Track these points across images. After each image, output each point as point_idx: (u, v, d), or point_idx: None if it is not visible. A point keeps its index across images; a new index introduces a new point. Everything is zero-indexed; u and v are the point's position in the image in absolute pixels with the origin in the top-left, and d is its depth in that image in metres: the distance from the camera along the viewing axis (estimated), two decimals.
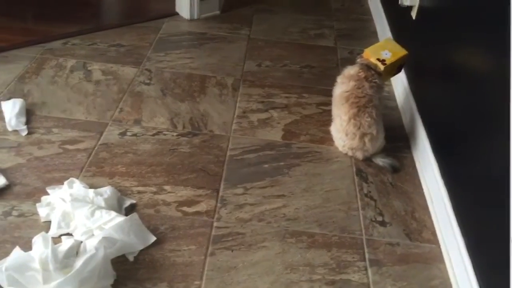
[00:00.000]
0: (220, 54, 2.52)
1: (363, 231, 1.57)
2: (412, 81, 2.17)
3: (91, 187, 1.59)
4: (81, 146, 1.80)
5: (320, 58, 2.57)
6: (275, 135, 1.97)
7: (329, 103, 2.16)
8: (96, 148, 1.80)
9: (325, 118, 2.08)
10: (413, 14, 2.26)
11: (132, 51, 2.46)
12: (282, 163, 1.83)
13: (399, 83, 2.28)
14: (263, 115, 2.08)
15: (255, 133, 1.97)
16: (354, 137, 1.83)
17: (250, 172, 1.77)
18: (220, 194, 1.66)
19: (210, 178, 1.73)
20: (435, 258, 1.51)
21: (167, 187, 1.66)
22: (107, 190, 1.56)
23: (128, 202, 1.58)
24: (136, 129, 1.92)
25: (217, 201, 1.63)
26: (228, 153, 1.85)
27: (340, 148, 1.90)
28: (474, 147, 1.54)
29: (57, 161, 1.72)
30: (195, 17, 2.84)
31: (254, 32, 2.77)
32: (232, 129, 1.98)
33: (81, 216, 1.44)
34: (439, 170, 1.71)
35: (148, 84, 2.21)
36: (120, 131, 1.90)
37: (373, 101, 1.87)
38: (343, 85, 1.93)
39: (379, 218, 1.63)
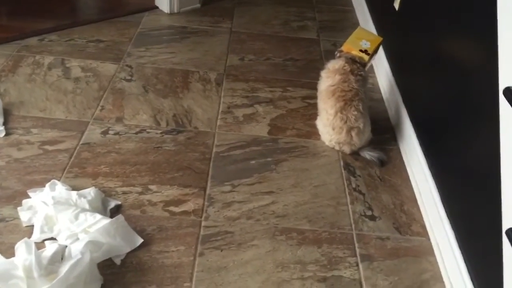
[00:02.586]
0: (202, 48, 2.47)
1: (353, 226, 1.56)
2: (397, 72, 2.16)
3: (74, 189, 1.55)
4: (62, 146, 1.75)
5: (303, 51, 2.55)
6: (261, 130, 1.95)
7: (314, 97, 2.15)
8: (77, 148, 1.75)
9: (311, 112, 2.06)
10: (396, 5, 2.25)
11: (111, 46, 2.39)
12: (269, 159, 1.80)
13: (383, 75, 2.27)
14: (248, 110, 2.05)
15: (240, 128, 1.94)
16: (341, 131, 1.82)
17: (237, 169, 1.74)
18: (207, 192, 1.63)
19: (196, 176, 1.69)
20: (426, 251, 1.51)
21: (152, 187, 1.63)
22: (90, 192, 1.52)
23: (113, 204, 1.53)
24: (118, 128, 1.87)
25: (204, 199, 1.60)
26: (214, 150, 1.82)
27: (327, 143, 1.88)
28: (461, 137, 1.54)
29: (37, 163, 1.66)
30: (175, 10, 2.78)
31: (236, 25, 2.73)
32: (217, 125, 1.95)
33: (65, 220, 1.40)
34: (426, 161, 1.71)
35: (129, 80, 2.16)
36: (102, 129, 1.85)
37: (359, 94, 1.86)
38: (329, 79, 1.91)
39: (368, 213, 1.62)
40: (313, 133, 1.95)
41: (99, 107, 1.97)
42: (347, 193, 1.69)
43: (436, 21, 1.83)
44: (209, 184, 1.66)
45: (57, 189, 1.51)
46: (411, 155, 1.82)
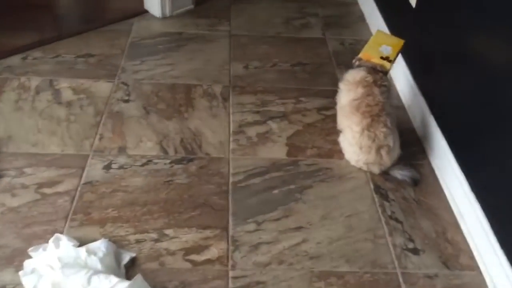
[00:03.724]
0: (202, 57, 2.27)
1: (396, 263, 1.41)
2: (419, 76, 1.99)
3: (80, 242, 1.36)
4: (61, 188, 1.56)
5: (310, 53, 2.36)
6: (278, 151, 1.77)
7: (329, 107, 1.99)
8: (79, 189, 1.56)
9: (329, 126, 1.89)
10: (412, 2, 2.07)
11: (103, 61, 2.18)
12: (292, 187, 1.63)
13: (403, 79, 2.10)
14: (262, 128, 1.87)
15: (256, 151, 1.77)
16: (369, 150, 1.65)
17: (259, 201, 1.57)
18: (230, 233, 1.46)
19: (215, 214, 1.52)
20: (478, 287, 1.36)
21: (168, 231, 1.45)
22: (101, 246, 1.33)
23: (127, 257, 1.36)
24: (122, 160, 1.68)
25: (228, 243, 1.43)
26: (231, 179, 1.64)
27: (353, 163, 1.72)
28: (505, 147, 1.39)
29: (35, 211, 1.47)
30: (167, 14, 2.56)
31: (234, 27, 2.52)
32: (230, 149, 1.77)
33: (76, 286, 1.22)
34: (466, 179, 1.55)
35: (127, 101, 1.95)
36: (104, 163, 1.66)
37: (386, 108, 1.69)
38: (350, 92, 1.74)
39: (410, 245, 1.46)
40: (335, 151, 1.78)
41: (98, 136, 1.77)
42: (383, 222, 1.53)
43: (462, 14, 1.66)
44: (230, 223, 1.49)
45: (62, 246, 1.33)
46: (446, 171, 1.67)
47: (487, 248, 1.40)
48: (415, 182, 1.67)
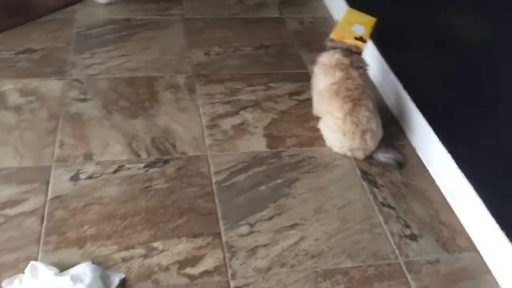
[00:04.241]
0: (157, 45, 2.11)
1: (397, 253, 1.37)
2: (388, 54, 1.95)
3: (60, 268, 1.21)
4: (26, 207, 1.38)
5: (271, 34, 2.26)
6: (257, 144, 1.68)
7: (301, 91, 1.92)
8: (47, 206, 1.39)
9: (304, 112, 1.82)
10: None
11: (48, 56, 1.97)
12: (279, 181, 1.55)
13: (370, 57, 2.04)
14: (236, 120, 1.76)
15: (234, 145, 1.66)
16: (353, 136, 1.60)
17: (248, 200, 1.48)
18: (224, 239, 1.36)
19: (204, 219, 1.41)
20: (480, 269, 1.36)
21: (157, 244, 1.33)
22: (85, 270, 1.19)
23: (116, 279, 1.22)
24: (90, 168, 1.52)
25: (223, 250, 1.33)
26: (213, 179, 1.53)
27: (336, 150, 1.66)
28: (485, 116, 1.40)
29: (1, 237, 1.30)
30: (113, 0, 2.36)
31: (187, 11, 2.36)
32: (206, 145, 1.65)
33: None
34: (450, 155, 1.54)
35: (84, 100, 1.77)
36: (71, 174, 1.49)
37: (366, 91, 1.64)
38: (328, 76, 1.66)
39: (407, 232, 1.43)
40: (316, 138, 1.71)
41: (58, 143, 1.59)
42: (376, 210, 1.49)
43: None
44: (222, 227, 1.39)
45: (41, 275, 1.18)
46: (428, 150, 1.65)
47: (482, 226, 1.39)
48: (400, 165, 1.64)
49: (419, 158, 1.68)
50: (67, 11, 2.25)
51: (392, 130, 1.78)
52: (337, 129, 1.61)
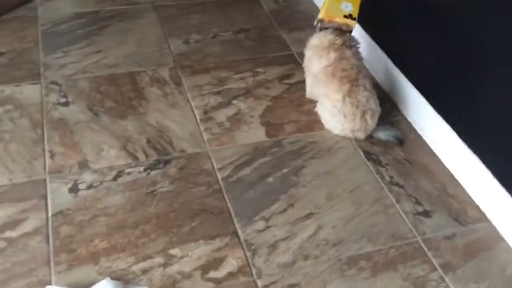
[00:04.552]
0: (132, 37, 2.00)
1: (414, 231, 1.38)
2: (373, 29, 1.93)
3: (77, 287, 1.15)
4: (27, 227, 1.29)
5: (248, 16, 2.19)
6: (256, 134, 1.63)
7: (290, 74, 1.88)
8: (50, 223, 1.30)
9: (297, 96, 1.78)
10: None
11: (17, 59, 1.83)
12: (285, 170, 1.52)
13: (355, 35, 2.02)
14: (229, 111, 1.71)
15: (233, 138, 1.61)
16: (354, 117, 1.58)
17: (258, 194, 1.44)
18: (242, 237, 1.32)
19: (217, 218, 1.36)
20: (494, 238, 1.38)
21: (174, 251, 1.27)
22: (107, 287, 1.14)
23: None
24: (88, 177, 1.43)
25: (243, 249, 1.29)
26: (219, 175, 1.48)
27: (337, 132, 1.64)
28: (479, 79, 1.42)
29: (8, 263, 1.21)
30: None
31: None
32: (205, 140, 1.59)
33: None
34: (450, 126, 1.55)
35: (66, 104, 1.66)
36: (69, 186, 1.40)
37: (361, 70, 1.62)
38: (322, 58, 1.63)
39: (420, 209, 1.44)
40: (314, 122, 1.68)
41: (48, 153, 1.49)
42: (386, 190, 1.48)
43: None
44: (237, 225, 1.35)
45: None
46: (424, 123, 1.66)
47: (488, 193, 1.42)
48: (400, 141, 1.64)
49: (417, 132, 1.69)
50: (28, 8, 2.10)
51: (386, 107, 1.77)
52: (337, 111, 1.59)
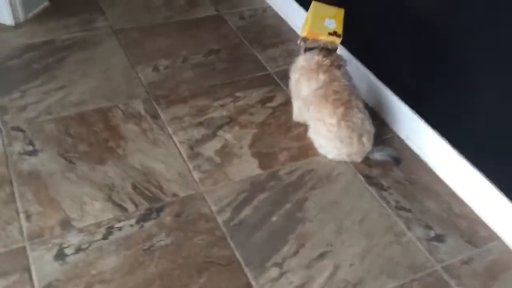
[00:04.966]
0: (96, 67, 1.83)
1: (432, 260, 1.32)
2: (353, 44, 1.86)
3: None
4: None
5: (216, 36, 2.07)
6: (250, 167, 1.52)
7: (270, 96, 1.80)
8: None
9: (283, 120, 1.69)
10: None
11: None
12: (288, 206, 1.42)
13: None
14: (216, 143, 1.59)
15: (226, 174, 1.49)
16: (351, 141, 1.51)
17: (265, 236, 1.33)
18: None
19: (227, 270, 1.25)
20: (509, 258, 1.36)
21: None
22: None
23: None
24: (73, 239, 1.27)
25: None
26: (219, 219, 1.36)
27: (332, 157, 1.56)
28: (467, 88, 1.41)
29: None
30: (22, 19, 2.00)
31: (113, 21, 2.08)
32: (196, 180, 1.46)
33: None
34: (447, 141, 1.52)
35: (34, 153, 1.48)
36: (53, 252, 1.24)
37: (353, 91, 1.55)
38: (311, 81, 1.55)
39: (431, 233, 1.39)
40: (306, 147, 1.60)
41: (23, 215, 1.31)
42: (394, 216, 1.42)
43: None
44: (249, 275, 1.24)
45: None
46: (416, 138, 1.62)
47: (496, 208, 1.40)
48: (397, 160, 1.58)
49: (410, 148, 1.64)
50: None
51: (376, 124, 1.71)
52: (333, 136, 1.51)
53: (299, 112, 1.64)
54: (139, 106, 1.69)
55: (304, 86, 1.56)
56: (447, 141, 1.53)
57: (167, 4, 2.23)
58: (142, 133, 1.59)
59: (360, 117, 1.51)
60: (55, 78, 1.76)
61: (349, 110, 1.50)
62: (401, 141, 1.67)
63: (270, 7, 2.27)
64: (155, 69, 1.86)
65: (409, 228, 1.40)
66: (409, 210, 1.45)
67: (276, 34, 2.10)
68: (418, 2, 1.53)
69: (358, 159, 1.56)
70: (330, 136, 1.52)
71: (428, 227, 1.41)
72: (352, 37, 1.83)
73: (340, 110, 1.50)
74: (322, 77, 1.53)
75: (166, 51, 1.95)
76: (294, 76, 1.61)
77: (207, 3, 2.27)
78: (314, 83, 1.54)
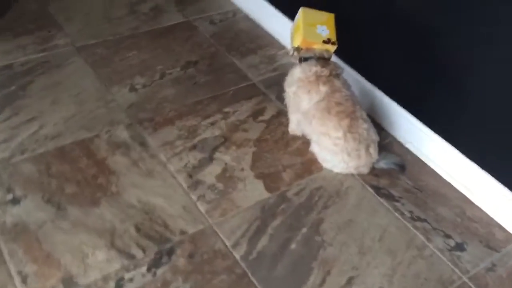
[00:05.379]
0: (66, 92, 1.66)
1: (458, 272, 1.29)
2: (342, 48, 1.79)
3: None
4: None
5: (190, 45, 1.94)
6: (256, 190, 1.43)
7: (261, 109, 1.72)
8: None
9: (279, 134, 1.61)
10: None
11: None
12: (304, 230, 1.34)
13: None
14: (215, 168, 1.48)
15: (233, 201, 1.39)
16: (358, 153, 1.45)
17: (287, 267, 1.25)
18: None
19: None
20: None
21: None
22: None
23: None
24: None
25: None
26: (236, 255, 1.26)
27: (339, 170, 1.50)
28: (457, 86, 1.41)
29: None
30: None
31: (75, 37, 1.90)
32: (203, 212, 1.35)
33: None
34: (443, 139, 1.51)
35: (15, 201, 1.31)
36: None
37: (356, 100, 1.48)
38: (311, 94, 1.47)
39: (451, 243, 1.36)
40: (309, 162, 1.52)
41: (17, 277, 1.15)
42: (412, 228, 1.38)
43: None
44: None
45: None
46: (419, 143, 1.58)
47: (506, 207, 1.39)
48: (402, 167, 1.54)
49: (411, 152, 1.61)
50: None
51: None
52: (339, 150, 1.44)
53: (297, 126, 1.56)
54: (123, 133, 1.54)
55: (304, 99, 1.48)
56: (449, 143, 1.50)
57: (130, 14, 2.06)
58: (133, 164, 1.45)
59: (365, 128, 1.45)
60: (22, 109, 1.57)
61: (355, 121, 1.44)
62: (401, 146, 1.63)
63: (239, 9, 2.16)
64: (132, 89, 1.71)
65: (428, 240, 1.36)
66: (424, 220, 1.41)
67: (251, 39, 2.00)
68: (408, 2, 1.49)
69: (366, 170, 1.50)
70: (336, 150, 1.45)
71: (447, 236, 1.38)
72: (341, 40, 1.77)
73: (346, 122, 1.43)
74: (323, 88, 1.45)
75: (139, 67, 1.80)
76: (290, 89, 1.52)
77: (173, 9, 2.12)
78: (314, 95, 1.46)
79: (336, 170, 1.50)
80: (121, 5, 2.10)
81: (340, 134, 1.43)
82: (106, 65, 1.79)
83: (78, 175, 1.40)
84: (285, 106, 1.58)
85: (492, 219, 1.44)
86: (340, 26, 1.56)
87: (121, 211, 1.32)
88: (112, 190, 1.37)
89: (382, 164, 1.53)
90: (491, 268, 1.31)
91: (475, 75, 1.37)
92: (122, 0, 2.13)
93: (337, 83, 1.47)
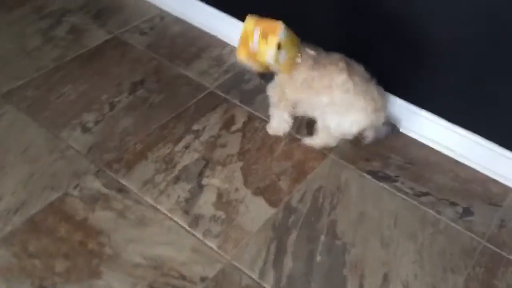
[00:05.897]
0: (10, 153, 1.43)
1: (475, 237, 1.32)
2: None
3: None
4: None
5: (129, 65, 1.75)
6: (261, 209, 1.34)
7: (230, 118, 1.64)
8: None
9: (260, 141, 1.52)
10: None
11: None
12: (322, 237, 1.29)
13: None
14: (209, 196, 1.36)
15: (241, 227, 1.30)
16: (372, 95, 1.38)
17: (321, 282, 1.19)
18: None
19: None
20: None
21: None
22: None
23: None
24: None
25: None
26: (266, 285, 1.18)
27: (358, 127, 1.41)
28: (443, 60, 1.41)
29: None
30: None
31: None
32: (215, 249, 1.24)
33: None
34: (413, 104, 1.52)
35: None
36: None
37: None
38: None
39: (459, 210, 1.38)
40: (300, 164, 1.46)
41: None
42: (419, 205, 1.38)
43: None
44: None
45: None
46: (396, 114, 1.58)
47: (494, 160, 1.44)
48: (394, 126, 1.51)
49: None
50: None
51: None
52: (352, 95, 1.35)
53: (278, 123, 1.49)
54: (94, 183, 1.37)
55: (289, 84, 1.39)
56: (422, 108, 1.51)
57: (47, 42, 1.82)
58: (119, 216, 1.30)
59: (362, 70, 1.40)
60: None
61: (351, 67, 1.37)
62: None
63: (165, 12, 1.99)
64: (85, 129, 1.52)
65: (438, 212, 1.37)
66: (427, 193, 1.41)
67: (190, 42, 1.86)
68: None
69: (382, 116, 1.42)
70: (349, 98, 1.36)
71: (453, 204, 1.39)
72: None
73: (342, 64, 1.36)
74: (330, 67, 1.37)
75: (82, 102, 1.60)
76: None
77: (92, 26, 1.91)
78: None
79: (355, 129, 1.40)
80: (32, 33, 1.85)
81: (344, 76, 1.35)
82: (43, 108, 1.57)
83: (63, 247, 1.22)
84: (258, 108, 1.50)
85: (484, 175, 1.48)
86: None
87: (128, 275, 1.18)
88: (107, 253, 1.22)
89: (377, 134, 1.48)
90: (501, 225, 1.35)
91: (431, 37, 1.37)
92: (31, 27, 1.87)
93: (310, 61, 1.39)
